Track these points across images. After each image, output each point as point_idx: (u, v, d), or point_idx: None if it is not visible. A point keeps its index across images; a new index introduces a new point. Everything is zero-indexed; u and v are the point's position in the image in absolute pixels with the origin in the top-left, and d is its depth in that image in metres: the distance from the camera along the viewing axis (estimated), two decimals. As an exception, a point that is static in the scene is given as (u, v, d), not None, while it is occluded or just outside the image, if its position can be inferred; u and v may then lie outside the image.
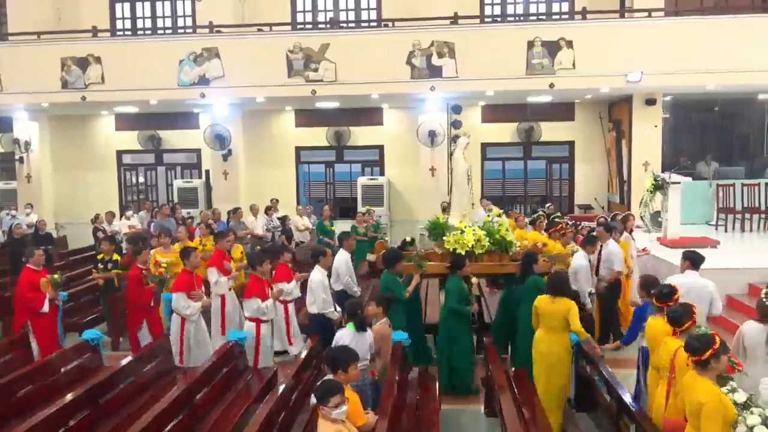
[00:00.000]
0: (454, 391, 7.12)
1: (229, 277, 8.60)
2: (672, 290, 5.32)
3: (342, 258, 8.33)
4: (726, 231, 12.29)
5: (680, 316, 4.74)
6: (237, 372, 6.91)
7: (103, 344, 7.40)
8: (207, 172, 16.56)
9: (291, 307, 8.46)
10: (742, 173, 14.68)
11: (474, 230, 7.62)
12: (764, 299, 5.01)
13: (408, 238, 8.65)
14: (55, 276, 8.13)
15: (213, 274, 8.42)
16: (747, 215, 12.47)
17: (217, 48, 13.82)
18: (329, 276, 8.14)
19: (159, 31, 16.81)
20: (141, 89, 13.96)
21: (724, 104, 16.53)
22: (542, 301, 6.14)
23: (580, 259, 8.11)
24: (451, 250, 7.57)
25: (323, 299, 7.58)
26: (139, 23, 17.10)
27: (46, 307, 7.72)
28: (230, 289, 8.62)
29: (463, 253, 7.46)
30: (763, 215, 12.47)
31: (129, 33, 16.87)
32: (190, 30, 16.05)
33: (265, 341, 7.42)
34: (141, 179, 18.12)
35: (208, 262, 8.65)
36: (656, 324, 5.20)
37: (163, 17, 17.05)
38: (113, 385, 6.01)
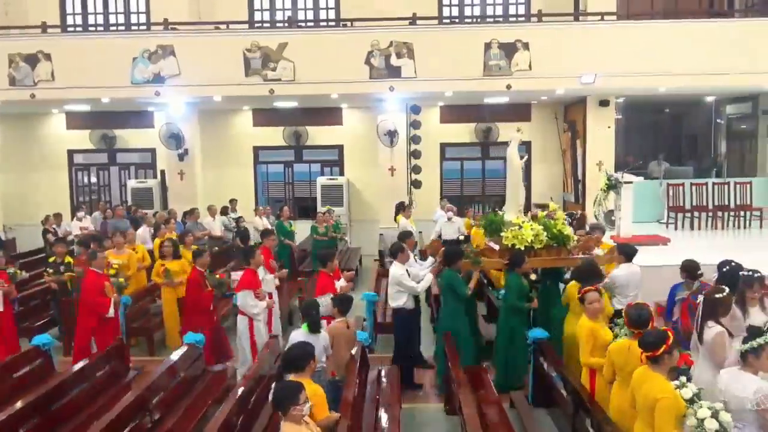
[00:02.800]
0: (505, 388, 6.92)
1: (275, 275, 8.42)
2: (648, 316, 4.86)
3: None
4: (676, 229, 12.65)
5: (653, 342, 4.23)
6: (195, 375, 6.81)
7: (54, 349, 7.20)
8: (162, 172, 16.23)
9: None
10: (691, 173, 15.12)
11: (532, 225, 7.49)
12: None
13: (461, 236, 8.58)
14: (121, 279, 7.95)
15: (260, 271, 8.19)
16: (696, 214, 12.88)
17: (173, 46, 13.51)
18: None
19: (111, 28, 16.36)
20: (93, 87, 13.50)
21: (674, 106, 17.05)
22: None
23: (617, 271, 7.40)
24: (509, 246, 7.42)
25: (397, 292, 7.44)
26: (91, 19, 16.62)
27: (111, 311, 7.58)
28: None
29: (522, 248, 7.34)
30: (710, 213, 12.89)
31: (80, 29, 16.36)
32: (144, 27, 15.69)
33: None
34: (93, 179, 17.62)
35: None
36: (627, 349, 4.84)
37: (116, 13, 16.60)
38: (65, 392, 5.85)
